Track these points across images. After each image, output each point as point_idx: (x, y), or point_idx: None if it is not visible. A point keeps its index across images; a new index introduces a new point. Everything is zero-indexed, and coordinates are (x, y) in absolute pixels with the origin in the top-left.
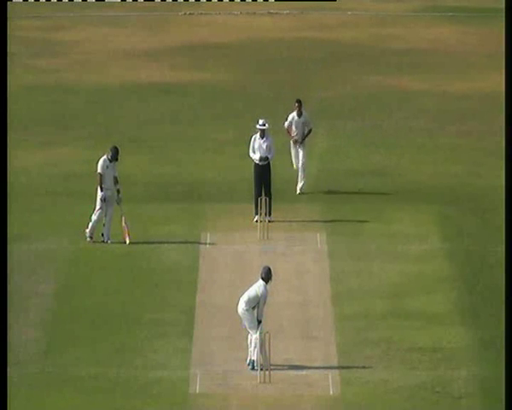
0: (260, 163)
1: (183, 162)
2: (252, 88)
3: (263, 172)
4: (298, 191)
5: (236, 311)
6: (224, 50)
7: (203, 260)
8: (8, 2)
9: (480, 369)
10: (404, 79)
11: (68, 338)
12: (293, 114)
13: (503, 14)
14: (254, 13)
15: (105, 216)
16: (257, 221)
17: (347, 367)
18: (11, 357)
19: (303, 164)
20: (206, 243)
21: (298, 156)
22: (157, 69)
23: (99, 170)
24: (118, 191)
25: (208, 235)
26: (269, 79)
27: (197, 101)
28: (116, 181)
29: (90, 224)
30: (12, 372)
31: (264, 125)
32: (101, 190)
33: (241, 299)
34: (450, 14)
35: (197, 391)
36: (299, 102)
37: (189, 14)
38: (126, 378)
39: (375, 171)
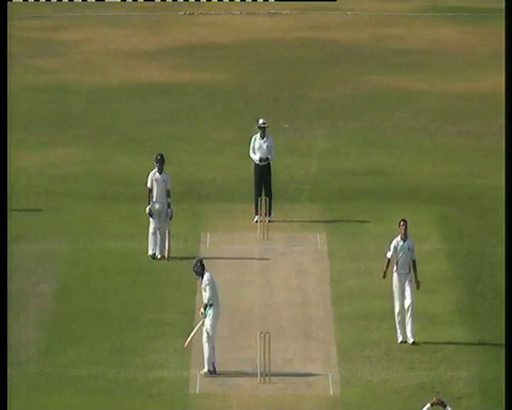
0: (260, 163)
1: (183, 162)
2: (252, 88)
3: (263, 172)
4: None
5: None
6: (224, 50)
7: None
8: (8, 2)
9: (480, 369)
10: (404, 79)
11: (68, 338)
12: (398, 239)
13: (503, 14)
14: (254, 13)
15: (158, 229)
16: (257, 221)
17: (347, 367)
18: (11, 357)
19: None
20: (206, 243)
21: (403, 296)
22: (157, 69)
23: (148, 184)
24: (168, 205)
25: (208, 235)
26: (269, 79)
27: (197, 101)
28: (168, 194)
29: (149, 238)
30: (12, 372)
31: (265, 123)
32: (148, 204)
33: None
34: (451, 14)
35: (197, 391)
36: (404, 223)
37: (189, 14)
38: (126, 378)
39: (375, 171)
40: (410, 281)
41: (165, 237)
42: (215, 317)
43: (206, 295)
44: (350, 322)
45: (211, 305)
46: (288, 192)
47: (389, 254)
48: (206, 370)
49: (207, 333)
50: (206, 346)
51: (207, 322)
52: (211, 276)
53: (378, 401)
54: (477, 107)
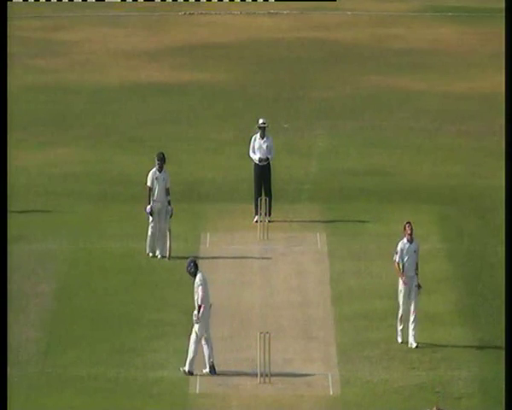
0: (260, 164)
1: (183, 162)
2: (252, 88)
3: (263, 172)
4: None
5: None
6: (224, 50)
7: (203, 260)
8: (8, 2)
9: (480, 369)
10: (404, 79)
11: (68, 338)
12: (404, 241)
13: (503, 14)
14: (254, 13)
15: (158, 230)
16: (257, 221)
17: (347, 367)
18: (11, 357)
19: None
20: (206, 243)
21: (409, 299)
22: (157, 69)
23: (148, 183)
24: (169, 203)
25: (208, 235)
26: (269, 79)
27: (197, 101)
28: (167, 193)
29: (148, 239)
30: (12, 372)
31: (265, 123)
32: (148, 203)
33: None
34: (451, 14)
35: (197, 391)
36: (410, 225)
37: (189, 14)
38: (126, 378)
39: (375, 171)
40: (415, 285)
41: (165, 236)
42: (205, 318)
43: (198, 296)
44: (350, 322)
45: (200, 306)
46: (288, 192)
47: (397, 258)
48: (186, 369)
49: (196, 335)
50: (192, 347)
51: (196, 324)
52: (203, 276)
53: (378, 401)
54: (477, 107)
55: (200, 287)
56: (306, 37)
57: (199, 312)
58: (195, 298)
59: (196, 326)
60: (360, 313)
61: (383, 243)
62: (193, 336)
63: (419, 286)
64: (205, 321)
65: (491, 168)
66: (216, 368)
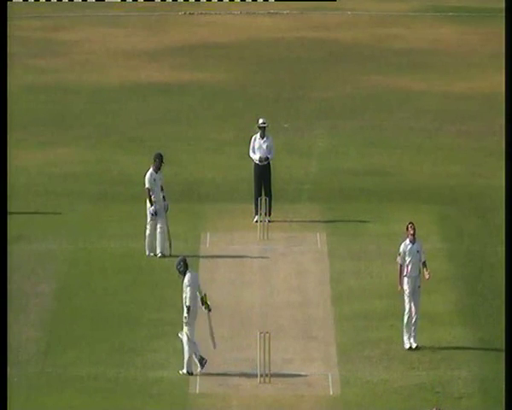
0: (260, 163)
1: (183, 162)
2: (252, 88)
3: (263, 172)
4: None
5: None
6: (224, 50)
7: (203, 259)
8: (8, 2)
9: (480, 369)
10: (404, 79)
11: (68, 338)
12: (407, 242)
13: (504, 14)
14: (254, 13)
15: (155, 229)
16: (257, 221)
17: (347, 367)
18: (11, 357)
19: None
20: (206, 243)
21: (412, 299)
22: (157, 69)
23: (147, 185)
24: (163, 198)
25: (208, 235)
26: (269, 79)
27: (197, 101)
28: (161, 189)
29: (146, 240)
30: (12, 372)
31: (265, 123)
32: (151, 205)
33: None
34: (451, 14)
35: (197, 391)
36: (412, 225)
37: (189, 14)
38: (126, 378)
39: (375, 171)
40: (418, 286)
41: (164, 233)
42: (193, 320)
43: (186, 296)
44: (350, 322)
45: (189, 307)
46: (288, 192)
47: (399, 260)
48: (185, 371)
49: (187, 336)
50: (186, 348)
51: (185, 326)
52: (192, 276)
53: (378, 401)
54: (477, 107)
55: (189, 288)
56: (306, 37)
57: (188, 313)
58: (183, 296)
59: (186, 327)
60: (360, 313)
61: (383, 243)
62: (184, 338)
63: (429, 273)
64: (192, 321)
65: (491, 168)
66: (206, 358)
